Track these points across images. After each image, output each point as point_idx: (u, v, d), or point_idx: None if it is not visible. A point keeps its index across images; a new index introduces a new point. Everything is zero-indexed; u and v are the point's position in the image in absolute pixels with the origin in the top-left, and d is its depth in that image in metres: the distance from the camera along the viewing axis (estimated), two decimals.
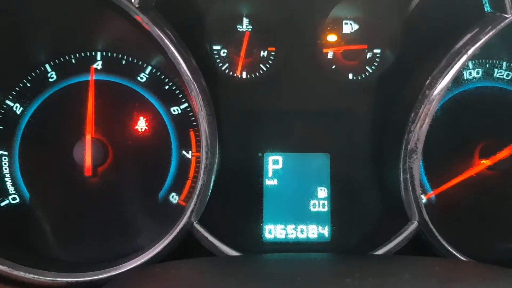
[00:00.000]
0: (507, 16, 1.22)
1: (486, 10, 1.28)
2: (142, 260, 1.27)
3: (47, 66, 1.48)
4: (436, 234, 1.33)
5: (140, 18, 1.22)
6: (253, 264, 1.06)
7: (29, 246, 1.42)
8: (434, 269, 0.91)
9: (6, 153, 1.45)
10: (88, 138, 1.40)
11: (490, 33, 1.22)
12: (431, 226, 1.33)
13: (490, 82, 1.56)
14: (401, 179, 1.32)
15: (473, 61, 1.55)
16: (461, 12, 1.33)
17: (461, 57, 1.23)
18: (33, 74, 1.48)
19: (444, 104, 1.51)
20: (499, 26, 1.22)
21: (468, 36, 1.24)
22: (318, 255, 1.27)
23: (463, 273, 0.94)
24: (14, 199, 1.45)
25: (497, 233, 1.51)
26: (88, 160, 1.40)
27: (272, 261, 1.09)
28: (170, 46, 1.24)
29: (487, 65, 1.55)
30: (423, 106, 1.26)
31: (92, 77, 1.44)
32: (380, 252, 1.33)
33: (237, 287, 0.75)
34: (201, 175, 1.30)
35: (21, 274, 1.24)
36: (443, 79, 1.25)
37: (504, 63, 1.56)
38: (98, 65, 1.49)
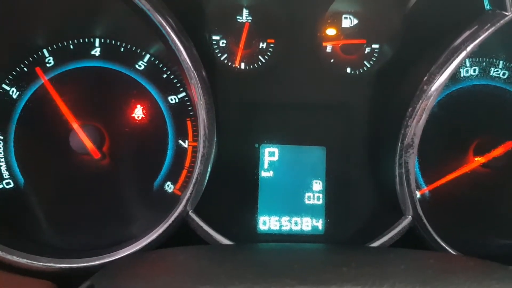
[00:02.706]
0: (506, 13, 1.23)
1: (486, 7, 1.29)
2: (137, 248, 1.27)
3: (44, 51, 1.47)
4: (429, 228, 1.34)
5: (142, 4, 1.21)
6: (249, 252, 1.07)
7: (22, 231, 1.41)
8: (429, 261, 0.92)
9: (1, 137, 1.45)
10: (76, 126, 1.41)
11: (489, 31, 1.23)
12: (424, 220, 1.34)
13: (486, 81, 1.57)
14: (397, 173, 1.33)
15: (470, 59, 1.56)
16: (460, 9, 1.34)
17: (460, 53, 1.24)
18: (30, 58, 1.47)
19: (441, 101, 1.52)
20: (498, 24, 1.23)
21: (468, 33, 1.25)
22: (313, 245, 1.28)
23: (458, 266, 0.96)
24: (8, 183, 1.45)
25: (489, 229, 1.52)
26: (89, 144, 1.40)
27: (268, 250, 1.10)
28: (172, 33, 1.23)
29: (484, 64, 1.56)
30: (420, 101, 1.27)
31: (44, 78, 1.43)
32: (373, 245, 1.34)
33: (232, 274, 0.76)
34: (198, 164, 1.30)
35: (15, 258, 1.24)
36: (441, 75, 1.26)
37: (501, 62, 1.57)
38: (96, 51, 1.48)
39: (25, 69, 1.47)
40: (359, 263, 0.88)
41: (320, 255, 1.06)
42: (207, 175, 1.32)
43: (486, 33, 1.23)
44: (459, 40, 1.25)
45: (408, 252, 1.02)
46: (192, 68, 1.26)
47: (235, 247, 1.24)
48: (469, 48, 1.23)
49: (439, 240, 1.34)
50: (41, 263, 1.25)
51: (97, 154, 1.41)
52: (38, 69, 1.44)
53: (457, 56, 1.24)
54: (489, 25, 1.23)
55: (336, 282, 0.75)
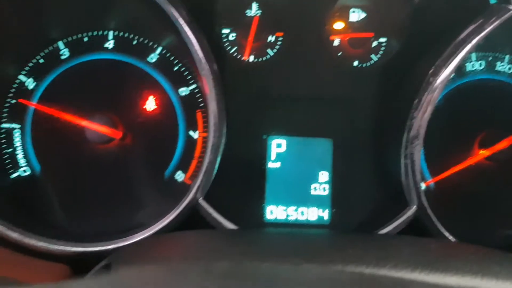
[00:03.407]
0: (511, 7, 1.26)
1: (490, 1, 1.32)
2: (149, 233, 1.31)
3: (60, 43, 1.52)
4: (434, 219, 1.37)
5: None
6: (259, 234, 1.10)
7: (39, 217, 1.46)
8: (431, 246, 0.95)
9: (19, 126, 1.49)
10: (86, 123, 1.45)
11: (494, 24, 1.25)
12: (429, 211, 1.37)
13: (492, 75, 1.59)
14: (402, 164, 1.36)
15: (476, 54, 1.58)
16: (466, 2, 1.37)
17: (465, 46, 1.26)
18: (46, 50, 1.51)
19: (447, 94, 1.55)
20: (503, 17, 1.25)
21: (473, 26, 1.28)
22: (319, 230, 1.31)
23: (459, 251, 0.99)
24: (25, 171, 1.49)
25: (493, 221, 1.55)
26: (106, 129, 1.44)
27: (276, 233, 1.14)
28: (184, 24, 1.27)
29: (490, 58, 1.59)
30: (426, 93, 1.30)
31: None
32: None
33: (243, 252, 0.79)
34: (208, 154, 1.34)
35: (32, 242, 1.28)
36: (446, 68, 1.28)
37: (507, 57, 1.59)
38: (110, 44, 1.52)
39: (41, 60, 1.51)
40: (364, 246, 0.91)
41: (326, 238, 1.10)
42: (217, 164, 1.36)
43: (491, 27, 1.25)
44: (465, 34, 1.28)
45: (412, 238, 1.06)
46: (203, 59, 1.29)
47: (244, 230, 1.28)
48: (474, 41, 1.25)
49: (443, 230, 1.37)
50: (57, 247, 1.29)
51: (118, 134, 1.46)
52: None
53: (462, 49, 1.27)
54: (494, 18, 1.26)
55: (341, 261, 0.79)
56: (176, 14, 1.26)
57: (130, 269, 0.65)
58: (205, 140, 1.50)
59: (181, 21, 1.27)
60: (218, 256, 0.77)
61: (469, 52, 1.28)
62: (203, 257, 0.78)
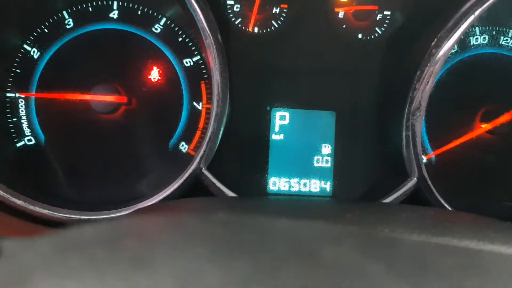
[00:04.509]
0: None
1: None
2: (152, 203, 1.33)
3: (64, 13, 1.52)
4: (434, 190, 1.39)
5: None
6: (261, 200, 1.12)
7: (44, 186, 1.48)
8: (430, 213, 0.97)
9: (23, 96, 1.50)
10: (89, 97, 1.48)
11: None
12: (429, 182, 1.38)
13: (496, 49, 1.59)
14: (404, 136, 1.37)
15: (480, 28, 1.58)
16: None
17: (468, 18, 1.27)
18: (50, 20, 1.52)
19: (450, 68, 1.55)
20: None
21: None
22: (321, 198, 1.33)
23: (457, 218, 1.00)
24: (29, 140, 1.51)
25: (493, 194, 1.56)
26: (110, 97, 1.46)
27: (278, 200, 1.15)
28: None
29: (494, 32, 1.58)
30: (428, 65, 1.31)
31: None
32: None
33: (243, 214, 0.81)
34: (211, 123, 1.35)
35: (37, 209, 1.31)
36: (449, 40, 1.29)
37: (511, 31, 1.59)
38: (114, 14, 1.53)
39: (46, 30, 1.51)
40: (364, 212, 0.93)
41: (326, 204, 1.12)
42: (220, 134, 1.38)
43: None
44: (468, 5, 1.28)
45: (411, 206, 1.07)
46: (207, 29, 1.30)
47: (245, 198, 1.30)
48: (477, 13, 1.26)
49: (443, 201, 1.39)
50: (61, 214, 1.32)
51: (123, 99, 1.47)
52: None
53: (465, 21, 1.27)
54: None
55: (341, 224, 0.80)
56: None
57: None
58: (208, 112, 1.51)
59: None
60: (222, 215, 0.78)
61: (472, 24, 1.28)
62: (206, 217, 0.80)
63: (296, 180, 1.57)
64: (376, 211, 0.97)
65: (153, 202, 1.31)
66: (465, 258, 0.53)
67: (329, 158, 1.57)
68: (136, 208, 1.30)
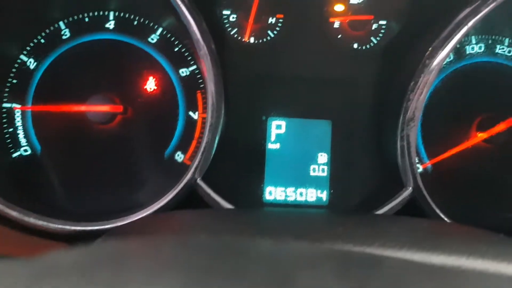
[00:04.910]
0: None
1: None
2: (146, 213, 1.33)
3: (61, 23, 1.52)
4: (429, 200, 1.38)
5: None
6: (251, 214, 1.12)
7: (39, 196, 1.48)
8: (422, 225, 0.97)
9: (19, 106, 1.51)
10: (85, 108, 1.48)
11: (491, 6, 1.25)
12: (424, 192, 1.38)
13: (492, 58, 1.59)
14: (398, 146, 1.37)
15: (476, 36, 1.58)
16: None
17: (462, 28, 1.27)
18: (47, 31, 1.52)
19: (446, 77, 1.55)
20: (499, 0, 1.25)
21: (470, 8, 1.28)
22: (314, 210, 1.33)
23: (449, 230, 1.00)
24: (25, 151, 1.51)
25: (489, 204, 1.56)
26: (106, 107, 1.46)
27: (269, 213, 1.15)
28: (182, 6, 1.28)
29: (490, 41, 1.58)
30: (422, 76, 1.31)
31: None
32: None
33: (232, 230, 0.81)
34: (206, 134, 1.35)
35: (31, 220, 1.31)
36: (443, 50, 1.29)
37: (507, 40, 1.59)
38: (111, 24, 1.53)
39: (42, 41, 1.52)
40: (355, 225, 0.93)
41: (318, 217, 1.12)
42: (215, 144, 1.38)
43: (488, 9, 1.25)
44: (462, 15, 1.28)
45: (404, 218, 1.07)
46: (201, 40, 1.30)
47: (238, 210, 1.30)
48: (470, 24, 1.26)
49: (438, 211, 1.39)
50: (56, 225, 1.32)
51: (119, 108, 1.47)
52: None
53: (459, 31, 1.27)
54: (491, 0, 1.26)
55: (330, 239, 0.80)
56: None
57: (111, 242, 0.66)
58: (204, 121, 1.51)
59: (180, 4, 1.28)
60: (206, 233, 0.79)
61: (466, 34, 1.28)
62: (191, 233, 0.80)
63: (292, 189, 1.57)
64: (368, 224, 0.96)
65: (147, 213, 1.31)
66: (451, 280, 0.53)
67: (325, 167, 1.57)
68: (129, 221, 1.29)
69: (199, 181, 1.37)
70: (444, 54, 1.29)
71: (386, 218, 1.20)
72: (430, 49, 1.32)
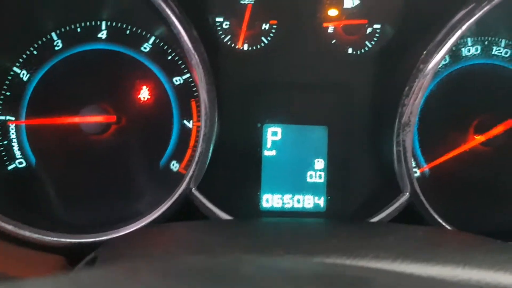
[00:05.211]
0: None
1: None
2: (142, 224, 1.32)
3: (53, 34, 1.52)
4: (427, 205, 1.37)
5: None
6: (245, 225, 1.11)
7: (35, 208, 1.47)
8: (417, 234, 0.96)
9: (13, 118, 1.50)
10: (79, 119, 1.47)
11: (485, 9, 1.24)
12: (422, 197, 1.37)
13: (488, 60, 1.58)
14: (394, 151, 1.36)
15: (472, 38, 1.57)
16: None
17: (456, 32, 1.26)
18: (39, 42, 1.52)
19: (442, 80, 1.54)
20: (494, 2, 1.24)
21: (464, 11, 1.27)
22: (309, 220, 1.32)
23: (445, 239, 0.99)
24: (20, 163, 1.51)
25: (488, 207, 1.55)
26: (99, 118, 1.45)
27: (264, 224, 1.14)
28: (172, 16, 1.27)
29: (486, 43, 1.57)
30: (417, 81, 1.30)
31: None
32: (371, 221, 1.38)
33: (225, 244, 0.80)
34: (200, 143, 1.34)
35: (27, 234, 1.30)
36: (437, 54, 1.28)
37: (503, 41, 1.58)
38: (103, 34, 1.52)
39: (35, 52, 1.51)
40: (349, 236, 0.92)
41: (313, 228, 1.10)
42: (210, 153, 1.37)
43: (481, 12, 1.24)
44: (456, 19, 1.27)
45: (400, 226, 1.06)
46: (192, 49, 1.30)
47: (232, 221, 1.29)
48: (464, 27, 1.25)
49: (436, 216, 1.38)
50: (51, 238, 1.31)
51: (112, 118, 1.47)
52: None
53: (453, 35, 1.26)
54: (485, 3, 1.25)
55: (324, 252, 0.79)
56: (164, 6, 1.27)
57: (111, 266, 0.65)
58: (199, 130, 1.50)
59: (170, 13, 1.27)
60: (198, 249, 0.78)
61: (460, 37, 1.27)
62: (183, 249, 0.79)
63: (289, 196, 1.56)
64: (362, 235, 0.95)
65: (142, 224, 1.30)
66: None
67: (322, 173, 1.56)
68: (124, 232, 1.29)
69: (194, 191, 1.36)
70: (438, 58, 1.28)
71: (381, 227, 1.18)
72: (424, 53, 1.30)
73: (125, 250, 0.91)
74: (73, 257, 1.31)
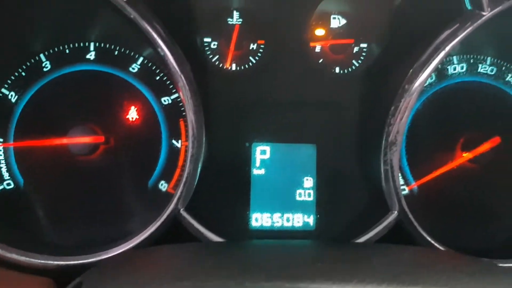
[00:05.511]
0: (484, 13, 1.26)
1: (467, 7, 1.32)
2: (130, 245, 1.32)
3: (41, 56, 1.52)
4: (415, 224, 1.38)
5: (129, 12, 1.26)
6: (230, 249, 1.11)
7: (22, 230, 1.47)
8: (403, 256, 0.96)
9: (1, 140, 1.50)
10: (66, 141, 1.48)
11: (468, 30, 1.26)
12: (410, 216, 1.37)
13: (474, 77, 1.59)
14: (382, 170, 1.36)
15: (457, 56, 1.58)
16: (443, 8, 1.37)
17: (440, 52, 1.27)
18: (28, 63, 1.52)
19: (428, 98, 1.56)
20: (476, 24, 1.26)
21: (447, 32, 1.28)
22: (295, 241, 1.32)
23: (431, 260, 0.99)
24: (8, 184, 1.50)
25: (476, 224, 1.55)
26: (87, 139, 1.46)
27: (249, 247, 1.14)
28: (158, 39, 1.28)
29: (472, 60, 1.59)
30: (403, 100, 1.31)
31: None
32: (360, 240, 1.38)
33: (209, 270, 0.80)
34: (188, 164, 1.34)
35: (14, 256, 1.29)
36: (422, 74, 1.29)
37: (489, 59, 1.60)
38: (91, 55, 1.53)
39: (23, 73, 1.51)
40: (335, 259, 0.92)
41: (300, 251, 1.10)
42: (197, 174, 1.37)
43: (465, 33, 1.26)
44: (439, 40, 1.29)
45: (386, 247, 1.06)
46: (179, 71, 1.30)
47: (219, 244, 1.29)
48: (448, 48, 1.26)
49: (425, 235, 1.38)
50: (39, 261, 1.30)
51: (100, 139, 1.47)
52: None
53: (437, 55, 1.27)
54: (468, 24, 1.27)
55: (308, 277, 0.79)
56: (149, 29, 1.27)
57: None
58: (187, 149, 1.51)
59: (156, 36, 1.28)
60: (184, 275, 0.78)
61: (445, 57, 1.29)
62: (168, 276, 0.79)
63: (278, 215, 1.56)
64: (349, 258, 0.95)
65: (130, 246, 1.30)
66: None
67: (312, 192, 1.56)
68: (113, 254, 1.28)
69: (182, 211, 1.36)
70: (423, 78, 1.29)
71: (367, 249, 1.18)
72: (410, 72, 1.32)
73: (111, 275, 0.91)
74: (61, 279, 1.30)
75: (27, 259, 1.30)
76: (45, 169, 1.51)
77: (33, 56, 1.52)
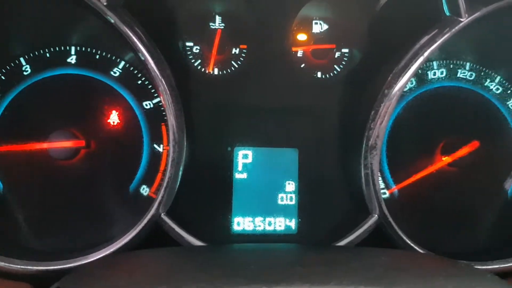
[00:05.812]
0: (461, 20, 1.28)
1: (446, 13, 1.33)
2: (111, 250, 1.31)
3: (22, 59, 1.51)
4: (395, 227, 1.39)
5: (110, 17, 1.25)
6: (211, 253, 1.11)
7: (1, 235, 1.45)
8: (381, 259, 0.97)
9: None
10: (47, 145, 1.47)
11: (446, 36, 1.28)
12: (390, 219, 1.39)
13: (454, 82, 1.62)
14: (362, 174, 1.38)
15: (437, 62, 1.60)
16: (423, 14, 1.39)
17: (419, 58, 1.29)
18: (7, 67, 1.50)
19: (409, 103, 1.57)
20: (454, 30, 1.28)
21: (426, 38, 1.30)
22: (277, 245, 1.32)
23: (409, 263, 1.00)
24: None
25: (456, 227, 1.57)
26: (68, 143, 1.45)
27: (230, 251, 1.14)
28: (139, 44, 1.28)
29: (451, 66, 1.61)
30: (382, 105, 1.32)
31: None
32: (341, 243, 1.39)
33: (188, 274, 0.80)
34: (169, 168, 1.34)
35: None
36: (401, 79, 1.31)
37: (468, 64, 1.62)
38: (72, 59, 1.52)
39: (3, 77, 1.50)
40: (315, 263, 0.92)
41: (280, 255, 1.11)
42: (179, 178, 1.37)
43: (442, 39, 1.28)
44: (418, 45, 1.30)
45: (365, 250, 1.07)
46: (159, 75, 1.30)
47: (198, 249, 1.29)
48: (426, 53, 1.28)
49: (405, 238, 1.39)
50: (18, 266, 1.29)
51: (81, 143, 1.46)
52: None
53: (415, 61, 1.29)
54: (446, 30, 1.29)
55: (287, 281, 0.80)
56: (130, 34, 1.27)
57: None
58: (169, 154, 1.50)
59: (136, 40, 1.28)
60: (162, 280, 0.77)
61: (423, 63, 1.30)
62: (147, 281, 0.79)
63: (260, 219, 1.56)
64: (328, 261, 0.96)
65: (110, 251, 1.29)
66: None
67: (293, 195, 1.57)
68: (92, 259, 1.27)
69: (163, 216, 1.36)
70: (402, 83, 1.31)
71: (346, 252, 1.19)
72: (389, 77, 1.33)
73: (88, 281, 0.90)
74: (40, 284, 1.29)
75: (6, 264, 1.28)
76: (25, 174, 1.50)
77: (13, 60, 1.51)
